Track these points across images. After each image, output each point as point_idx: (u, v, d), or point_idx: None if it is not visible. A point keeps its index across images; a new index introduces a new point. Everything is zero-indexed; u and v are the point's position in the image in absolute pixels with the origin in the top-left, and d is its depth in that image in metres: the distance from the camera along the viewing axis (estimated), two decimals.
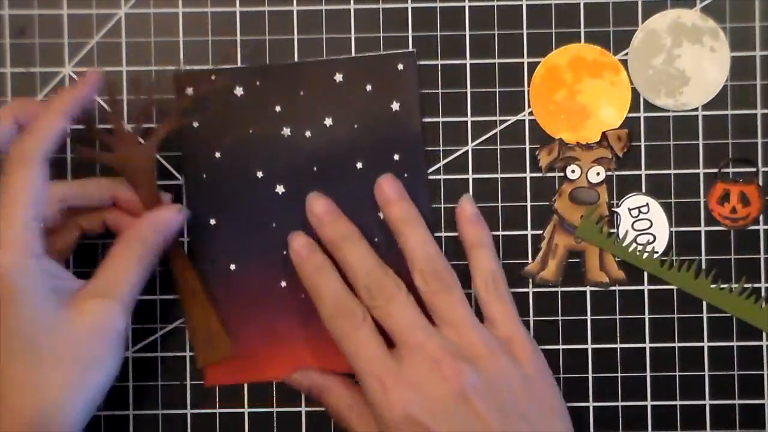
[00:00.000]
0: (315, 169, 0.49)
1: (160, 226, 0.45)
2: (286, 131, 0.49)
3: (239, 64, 0.49)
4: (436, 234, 0.49)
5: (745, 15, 0.49)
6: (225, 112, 0.49)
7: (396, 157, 0.48)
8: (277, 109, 0.49)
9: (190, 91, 0.48)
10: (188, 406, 0.49)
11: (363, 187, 0.48)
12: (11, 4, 0.49)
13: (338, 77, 0.49)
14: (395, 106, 0.49)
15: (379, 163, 0.48)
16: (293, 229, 0.48)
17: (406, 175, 0.48)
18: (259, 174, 0.48)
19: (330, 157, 0.48)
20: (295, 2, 0.49)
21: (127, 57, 0.49)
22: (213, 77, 0.49)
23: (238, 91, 0.49)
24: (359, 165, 0.49)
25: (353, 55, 0.49)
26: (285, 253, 0.48)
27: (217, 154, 0.48)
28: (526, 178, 0.49)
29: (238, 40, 0.49)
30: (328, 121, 0.49)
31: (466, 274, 0.47)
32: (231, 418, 0.49)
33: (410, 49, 0.49)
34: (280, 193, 0.48)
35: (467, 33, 0.49)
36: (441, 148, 0.49)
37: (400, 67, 0.49)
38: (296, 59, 0.49)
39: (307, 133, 0.49)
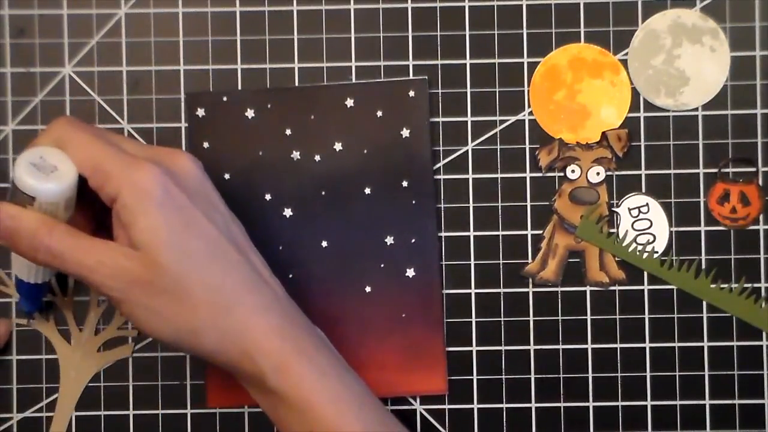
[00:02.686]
0: (323, 193, 0.49)
1: None
2: (296, 155, 0.49)
3: (239, 64, 0.49)
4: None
5: (745, 15, 0.49)
6: (235, 133, 0.49)
7: (404, 183, 0.48)
8: (288, 132, 0.49)
9: (201, 112, 0.49)
10: (188, 406, 0.49)
11: (370, 212, 0.48)
12: (11, 4, 0.49)
13: (349, 102, 0.49)
14: (405, 132, 0.49)
15: (387, 189, 0.48)
16: (300, 252, 0.48)
17: (414, 201, 0.48)
18: (268, 197, 0.48)
19: (338, 181, 0.48)
20: (295, 2, 0.49)
21: (127, 57, 0.49)
22: (225, 99, 0.49)
23: (249, 113, 0.49)
24: (367, 190, 0.49)
25: (362, 77, 0.49)
26: (291, 276, 0.48)
27: (227, 176, 0.48)
28: (526, 178, 0.49)
29: (238, 40, 0.49)
30: (338, 146, 0.49)
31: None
32: (231, 418, 0.49)
33: (422, 76, 0.49)
34: (287, 216, 0.48)
35: (467, 33, 0.49)
36: (441, 148, 0.49)
37: (411, 93, 0.49)
38: (296, 59, 0.49)
39: (317, 157, 0.49)
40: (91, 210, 0.42)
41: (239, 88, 0.49)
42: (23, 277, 0.44)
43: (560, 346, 0.49)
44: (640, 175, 0.49)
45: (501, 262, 0.49)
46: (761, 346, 0.49)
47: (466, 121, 0.49)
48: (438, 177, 0.49)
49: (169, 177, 0.40)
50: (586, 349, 0.49)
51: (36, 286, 0.45)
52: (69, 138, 0.40)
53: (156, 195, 0.39)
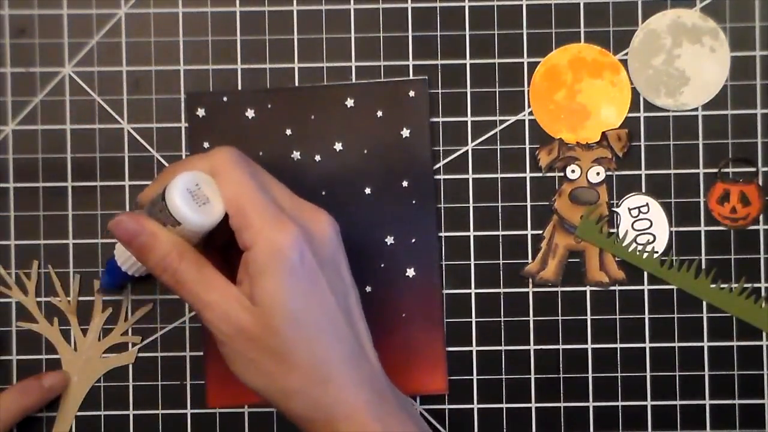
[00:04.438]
0: (323, 193, 0.49)
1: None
2: (296, 155, 0.49)
3: (239, 64, 0.49)
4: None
5: (745, 15, 0.49)
6: (235, 133, 0.49)
7: (405, 183, 0.49)
8: (288, 132, 0.49)
9: (201, 112, 0.49)
10: (188, 406, 0.49)
11: (370, 212, 0.48)
12: (11, 4, 0.49)
13: (349, 102, 0.49)
14: (405, 132, 0.49)
15: (387, 189, 0.48)
16: None
17: (414, 201, 0.48)
18: None
19: (339, 181, 0.49)
20: (295, 2, 0.49)
21: (127, 57, 0.49)
22: (225, 99, 0.49)
23: (249, 113, 0.49)
24: (368, 191, 0.49)
25: (362, 77, 0.49)
26: None
27: None
28: (526, 178, 0.49)
29: (238, 40, 0.49)
30: (338, 146, 0.49)
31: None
32: (231, 418, 0.49)
33: (422, 76, 0.49)
34: None
35: (467, 33, 0.49)
36: (441, 148, 0.49)
37: (412, 93, 0.49)
38: (296, 59, 0.49)
39: (317, 157, 0.49)
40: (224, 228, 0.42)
41: (239, 88, 0.49)
42: (120, 263, 0.44)
43: (560, 346, 0.49)
44: (640, 175, 0.49)
45: (501, 262, 0.49)
46: (761, 346, 0.49)
47: (466, 121, 0.49)
48: (438, 177, 0.49)
49: (307, 242, 0.39)
50: (586, 349, 0.49)
51: (125, 273, 0.45)
52: (225, 171, 0.40)
53: (290, 259, 0.39)
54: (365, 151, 0.49)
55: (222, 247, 0.42)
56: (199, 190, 0.40)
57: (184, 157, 0.49)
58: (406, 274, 0.49)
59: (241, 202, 0.39)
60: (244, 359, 0.39)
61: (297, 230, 0.39)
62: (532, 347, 0.49)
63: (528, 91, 0.49)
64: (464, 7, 0.49)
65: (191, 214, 0.39)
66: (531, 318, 0.49)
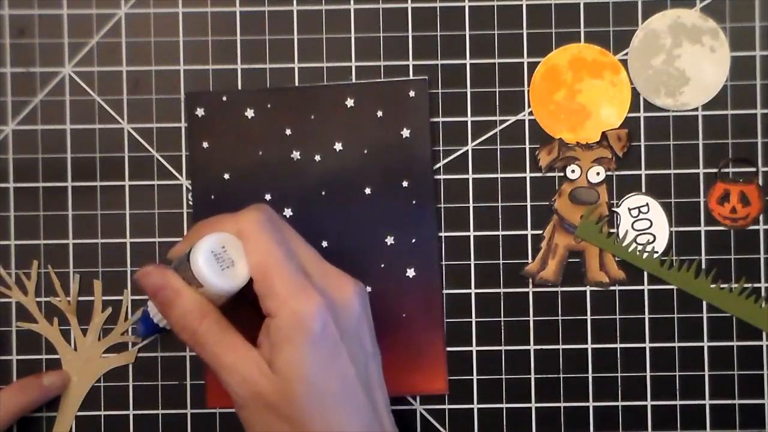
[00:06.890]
0: (323, 193, 0.49)
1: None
2: (296, 155, 0.49)
3: (239, 64, 0.49)
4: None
5: (745, 15, 0.49)
6: (235, 133, 0.49)
7: (405, 183, 0.49)
8: (288, 132, 0.49)
9: (200, 111, 0.49)
10: (188, 406, 0.49)
11: (370, 212, 0.48)
12: (11, 4, 0.49)
13: (349, 102, 0.49)
14: (405, 132, 0.49)
15: (387, 189, 0.48)
16: None
17: (414, 202, 0.48)
18: (268, 197, 0.48)
19: (339, 181, 0.48)
20: (295, 2, 0.49)
21: (127, 57, 0.49)
22: (224, 99, 0.49)
23: (249, 113, 0.49)
24: (368, 191, 0.49)
25: (362, 77, 0.49)
26: None
27: (226, 176, 0.48)
28: (526, 178, 0.49)
29: (238, 40, 0.49)
30: (338, 146, 0.49)
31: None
32: (231, 418, 0.49)
33: (422, 76, 0.49)
34: (287, 216, 0.48)
35: (467, 33, 0.49)
36: (441, 148, 0.49)
37: (412, 94, 0.49)
38: (296, 59, 0.49)
39: (317, 157, 0.49)
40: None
41: (239, 88, 0.49)
42: (151, 314, 0.44)
43: (560, 346, 0.49)
44: (640, 175, 0.49)
45: (501, 262, 0.49)
46: (761, 346, 0.49)
47: (466, 121, 0.49)
48: (438, 177, 0.49)
49: (330, 313, 0.39)
50: (586, 349, 0.49)
51: (157, 326, 0.45)
52: (252, 235, 0.39)
53: (312, 331, 0.38)
54: (365, 151, 0.49)
55: (251, 301, 0.42)
56: (224, 253, 0.39)
57: (184, 157, 0.49)
58: (406, 274, 0.49)
59: (266, 269, 0.39)
60: (259, 423, 0.39)
61: (321, 301, 0.39)
62: (532, 347, 0.49)
63: (528, 91, 0.49)
64: (464, 7, 0.49)
65: (214, 278, 0.39)
66: (531, 318, 0.49)
